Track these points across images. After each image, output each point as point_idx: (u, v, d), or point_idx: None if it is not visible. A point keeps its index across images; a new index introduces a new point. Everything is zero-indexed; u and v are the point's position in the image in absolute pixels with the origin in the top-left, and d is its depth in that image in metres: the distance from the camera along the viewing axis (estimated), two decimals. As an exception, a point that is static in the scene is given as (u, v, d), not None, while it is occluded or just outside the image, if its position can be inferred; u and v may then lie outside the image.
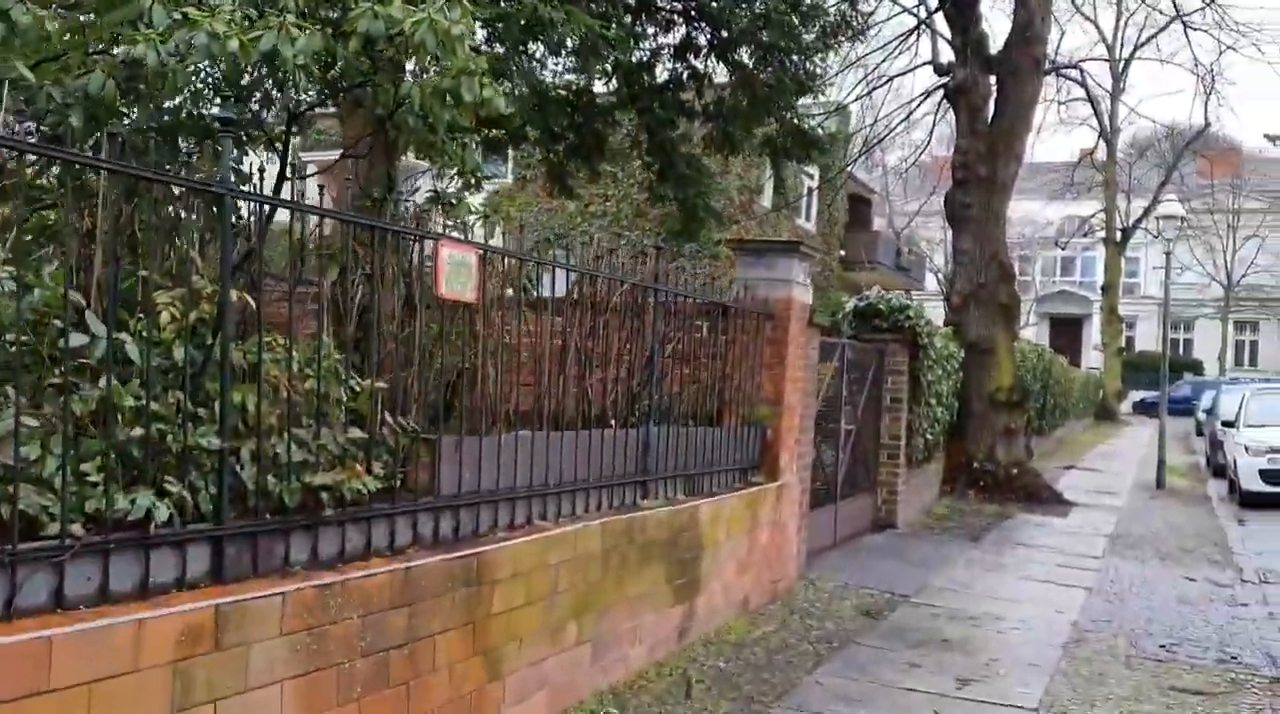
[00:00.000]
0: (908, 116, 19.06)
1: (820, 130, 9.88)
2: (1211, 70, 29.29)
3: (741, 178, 28.98)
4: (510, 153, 9.68)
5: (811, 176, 33.16)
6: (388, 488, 4.09)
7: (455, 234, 4.55)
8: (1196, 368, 46.05)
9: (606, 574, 5.30)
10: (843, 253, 35.50)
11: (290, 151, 5.38)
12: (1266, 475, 14.96)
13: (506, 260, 5.06)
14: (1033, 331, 44.63)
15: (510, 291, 5.26)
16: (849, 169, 21.89)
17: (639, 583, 5.63)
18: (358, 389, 4.02)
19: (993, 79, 15.34)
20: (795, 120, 8.82)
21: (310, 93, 5.40)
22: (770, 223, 31.01)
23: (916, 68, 17.93)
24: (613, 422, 5.95)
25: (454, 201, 5.60)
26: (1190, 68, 27.81)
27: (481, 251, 4.57)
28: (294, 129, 5.29)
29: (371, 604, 3.77)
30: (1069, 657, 6.68)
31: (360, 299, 4.38)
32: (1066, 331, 49.27)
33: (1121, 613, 8.02)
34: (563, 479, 5.18)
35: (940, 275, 36.46)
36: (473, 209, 6.96)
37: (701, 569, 6.40)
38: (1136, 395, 41.98)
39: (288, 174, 5.30)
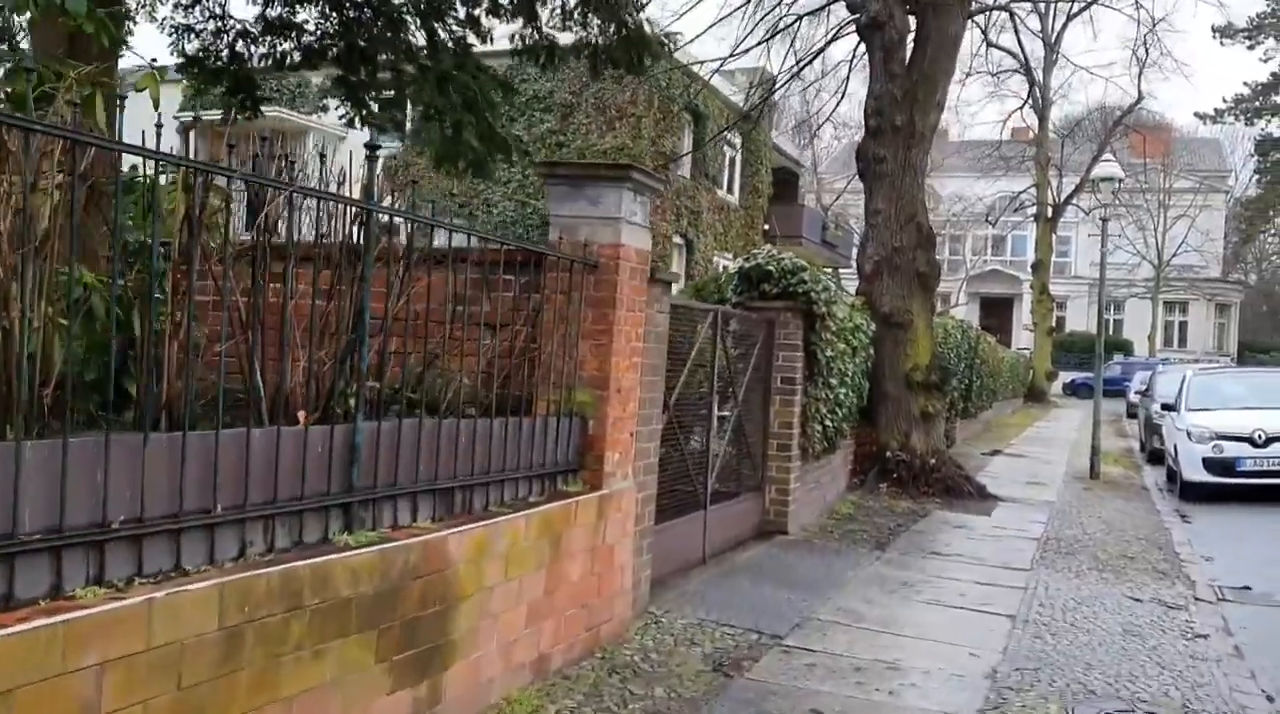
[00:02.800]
0: (815, 56, 17.13)
1: (655, 32, 7.75)
2: (1146, 42, 27.99)
3: (655, 144, 26.99)
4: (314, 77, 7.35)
5: (736, 147, 31.31)
6: None
7: None
8: (1127, 348, 45.55)
9: (238, 665, 3.25)
10: (766, 227, 33.78)
11: None
12: (1210, 465, 13.41)
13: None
14: (963, 311, 43.64)
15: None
16: (755, 116, 19.86)
17: (316, 669, 3.58)
18: None
19: (912, 18, 13.49)
20: (626, 19, 6.75)
21: None
22: (688, 194, 29.12)
23: (831, 3, 15.98)
24: (300, 415, 3.91)
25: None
26: (1131, 12, 26.30)
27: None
28: None
29: None
30: (982, 736, 4.81)
31: None
32: (997, 311, 48.40)
33: (1054, 654, 6.19)
34: (147, 513, 3.11)
35: (868, 250, 34.94)
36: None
37: (455, 628, 4.37)
38: (1067, 376, 41.17)
39: None
